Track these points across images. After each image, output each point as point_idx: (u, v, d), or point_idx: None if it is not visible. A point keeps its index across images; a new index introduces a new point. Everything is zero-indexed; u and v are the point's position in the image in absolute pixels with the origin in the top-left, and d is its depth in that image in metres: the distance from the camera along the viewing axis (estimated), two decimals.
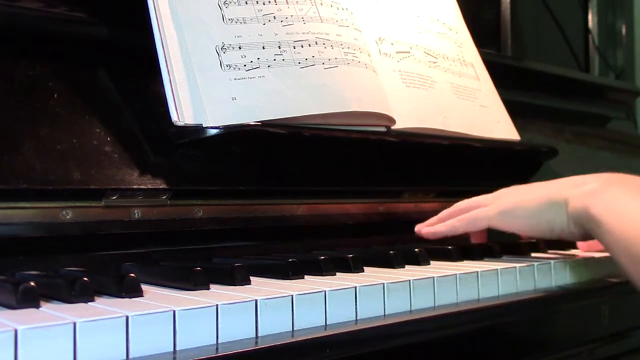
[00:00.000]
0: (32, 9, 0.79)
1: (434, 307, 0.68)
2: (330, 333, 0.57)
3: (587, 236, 0.79)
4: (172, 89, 0.77)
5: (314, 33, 0.87)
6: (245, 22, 0.83)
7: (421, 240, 0.92)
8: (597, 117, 1.70)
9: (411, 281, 0.66)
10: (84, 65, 0.80)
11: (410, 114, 0.97)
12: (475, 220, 0.88)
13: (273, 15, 0.85)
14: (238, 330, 0.54)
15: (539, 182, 0.87)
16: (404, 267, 0.76)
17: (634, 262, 0.68)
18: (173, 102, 0.77)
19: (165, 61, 0.78)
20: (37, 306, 0.52)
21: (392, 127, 0.94)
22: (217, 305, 0.53)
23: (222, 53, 0.80)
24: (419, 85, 1.01)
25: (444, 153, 1.02)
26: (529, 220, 0.83)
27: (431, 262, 0.80)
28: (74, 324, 0.46)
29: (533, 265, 0.79)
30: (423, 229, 0.92)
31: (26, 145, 0.69)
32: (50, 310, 0.51)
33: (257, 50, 0.82)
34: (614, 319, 0.84)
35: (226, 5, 0.83)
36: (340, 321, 0.60)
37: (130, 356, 0.48)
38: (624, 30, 2.16)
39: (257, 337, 0.55)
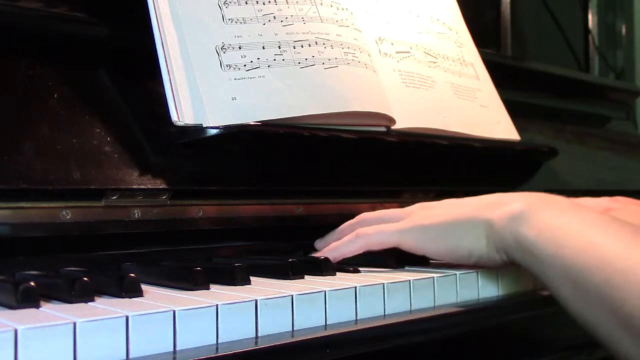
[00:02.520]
0: (32, 9, 0.79)
1: (434, 307, 0.68)
2: (330, 333, 0.57)
3: (507, 264, 0.70)
4: (172, 89, 0.77)
5: (314, 33, 0.87)
6: (245, 22, 0.83)
7: None
8: (597, 117, 1.70)
9: (411, 281, 0.67)
10: (84, 65, 0.80)
11: (410, 114, 0.97)
12: (380, 236, 0.75)
13: (273, 15, 0.85)
14: (238, 330, 0.54)
15: (451, 199, 0.76)
16: (403, 268, 0.77)
17: (581, 295, 0.59)
18: (173, 102, 0.77)
19: (165, 61, 0.78)
20: (37, 306, 0.52)
21: (392, 127, 0.94)
22: (217, 305, 0.53)
23: (222, 53, 0.80)
24: (419, 85, 1.01)
25: (444, 153, 1.02)
26: (446, 242, 0.71)
27: (431, 262, 0.80)
28: (74, 324, 0.46)
29: None
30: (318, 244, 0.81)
31: (26, 145, 0.69)
32: (50, 310, 0.51)
33: (257, 50, 0.82)
34: None
35: (226, 5, 0.83)
36: (340, 321, 0.60)
37: (130, 356, 0.48)
38: (624, 30, 2.16)
39: (257, 337, 0.55)
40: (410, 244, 0.74)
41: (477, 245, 0.69)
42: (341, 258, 0.76)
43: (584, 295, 0.59)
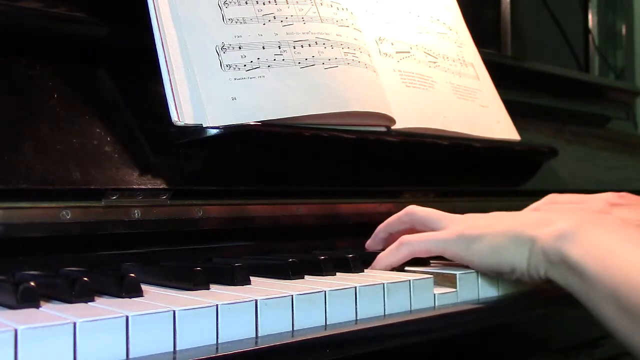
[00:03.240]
0: (32, 8, 0.79)
1: (434, 307, 0.68)
2: (330, 333, 0.57)
3: (543, 284, 0.69)
4: (172, 89, 0.77)
5: (314, 33, 0.87)
6: (245, 22, 0.83)
7: None
8: (597, 117, 1.70)
9: (411, 281, 0.66)
10: (84, 65, 0.80)
11: (410, 114, 0.97)
12: (426, 244, 0.75)
13: (273, 15, 0.85)
14: (238, 330, 0.54)
15: (499, 212, 0.76)
16: (403, 268, 0.77)
17: (626, 316, 0.58)
18: (173, 102, 0.77)
19: (165, 61, 0.78)
20: (37, 306, 0.52)
21: (392, 127, 0.94)
22: (217, 305, 0.53)
23: (222, 53, 0.80)
24: (419, 85, 1.01)
25: (444, 153, 1.02)
26: (492, 256, 0.71)
27: (431, 262, 0.80)
28: (74, 324, 0.46)
29: None
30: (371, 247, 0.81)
31: (26, 145, 0.69)
32: (50, 310, 0.51)
33: (257, 50, 0.82)
34: None
35: (226, 5, 0.83)
36: (340, 321, 0.60)
37: (130, 356, 0.48)
38: (624, 31, 2.16)
39: (257, 337, 0.55)
40: (454, 253, 0.74)
41: (519, 262, 0.69)
42: (389, 268, 0.76)
43: (630, 317, 0.58)
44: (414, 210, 0.81)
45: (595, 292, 0.61)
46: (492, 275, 0.73)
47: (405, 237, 0.77)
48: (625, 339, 0.59)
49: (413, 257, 0.76)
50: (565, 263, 0.63)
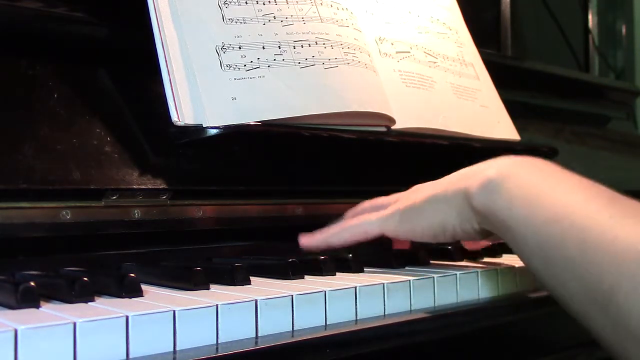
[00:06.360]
0: (32, 8, 0.79)
1: (434, 307, 0.68)
2: (330, 333, 0.57)
3: (481, 234, 0.66)
4: (172, 89, 0.77)
5: (314, 33, 0.87)
6: (245, 22, 0.83)
7: None
8: (597, 117, 1.70)
9: (411, 281, 0.67)
10: (84, 65, 0.80)
11: (410, 114, 0.97)
12: (364, 226, 0.74)
13: (273, 15, 0.85)
14: (238, 330, 0.54)
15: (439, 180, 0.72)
16: (403, 268, 0.77)
17: (553, 267, 0.54)
18: (173, 102, 0.77)
19: (165, 61, 0.78)
20: (37, 306, 0.52)
21: (392, 127, 0.94)
22: (217, 305, 0.53)
23: (222, 53, 0.80)
24: (419, 85, 1.01)
25: (444, 153, 1.02)
26: (421, 221, 0.69)
27: (431, 262, 0.80)
28: (74, 324, 0.46)
29: None
30: (301, 239, 0.77)
31: (26, 145, 0.69)
32: (50, 310, 0.51)
33: (257, 50, 0.82)
34: None
35: (226, 5, 0.83)
36: (340, 321, 0.60)
37: (130, 356, 0.48)
38: (624, 30, 2.16)
39: (257, 337, 0.55)
40: (390, 230, 0.72)
41: (448, 218, 0.66)
42: (328, 248, 0.75)
43: (556, 268, 0.54)
44: (363, 205, 0.79)
45: (522, 241, 0.57)
46: (429, 241, 0.70)
47: (347, 222, 0.76)
48: (553, 290, 0.57)
49: (355, 240, 0.75)
50: (492, 211, 0.60)
